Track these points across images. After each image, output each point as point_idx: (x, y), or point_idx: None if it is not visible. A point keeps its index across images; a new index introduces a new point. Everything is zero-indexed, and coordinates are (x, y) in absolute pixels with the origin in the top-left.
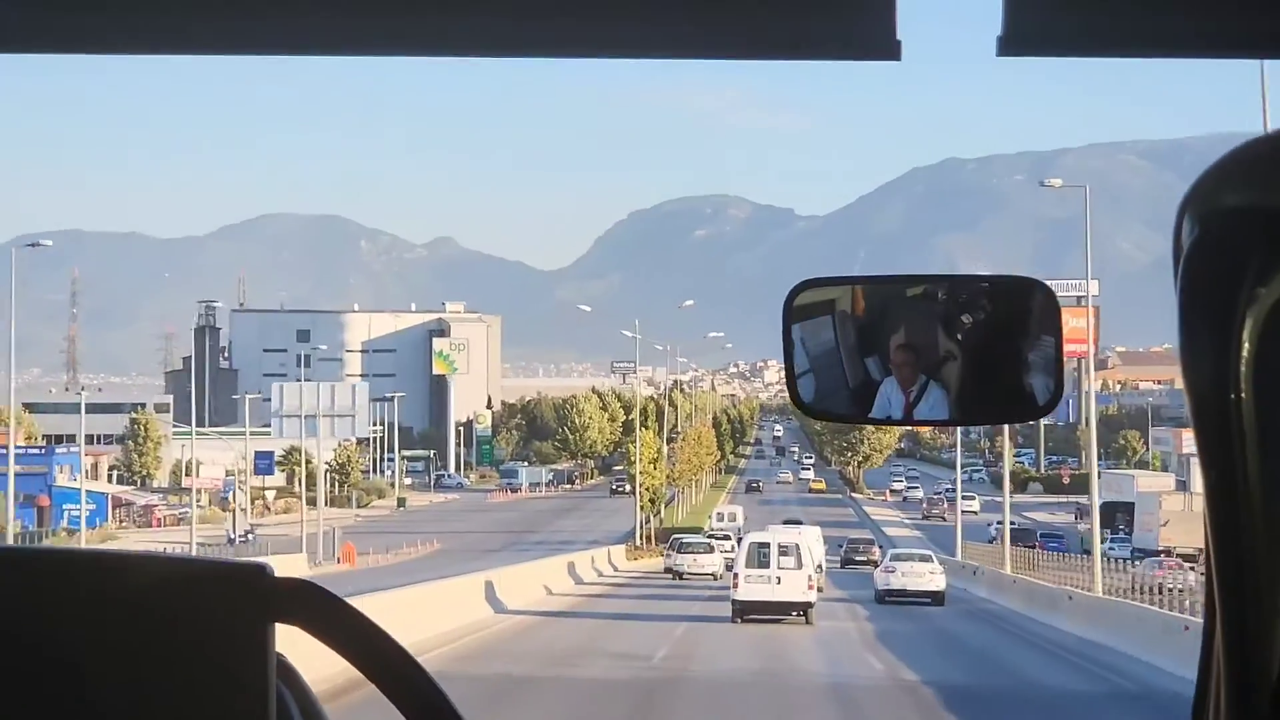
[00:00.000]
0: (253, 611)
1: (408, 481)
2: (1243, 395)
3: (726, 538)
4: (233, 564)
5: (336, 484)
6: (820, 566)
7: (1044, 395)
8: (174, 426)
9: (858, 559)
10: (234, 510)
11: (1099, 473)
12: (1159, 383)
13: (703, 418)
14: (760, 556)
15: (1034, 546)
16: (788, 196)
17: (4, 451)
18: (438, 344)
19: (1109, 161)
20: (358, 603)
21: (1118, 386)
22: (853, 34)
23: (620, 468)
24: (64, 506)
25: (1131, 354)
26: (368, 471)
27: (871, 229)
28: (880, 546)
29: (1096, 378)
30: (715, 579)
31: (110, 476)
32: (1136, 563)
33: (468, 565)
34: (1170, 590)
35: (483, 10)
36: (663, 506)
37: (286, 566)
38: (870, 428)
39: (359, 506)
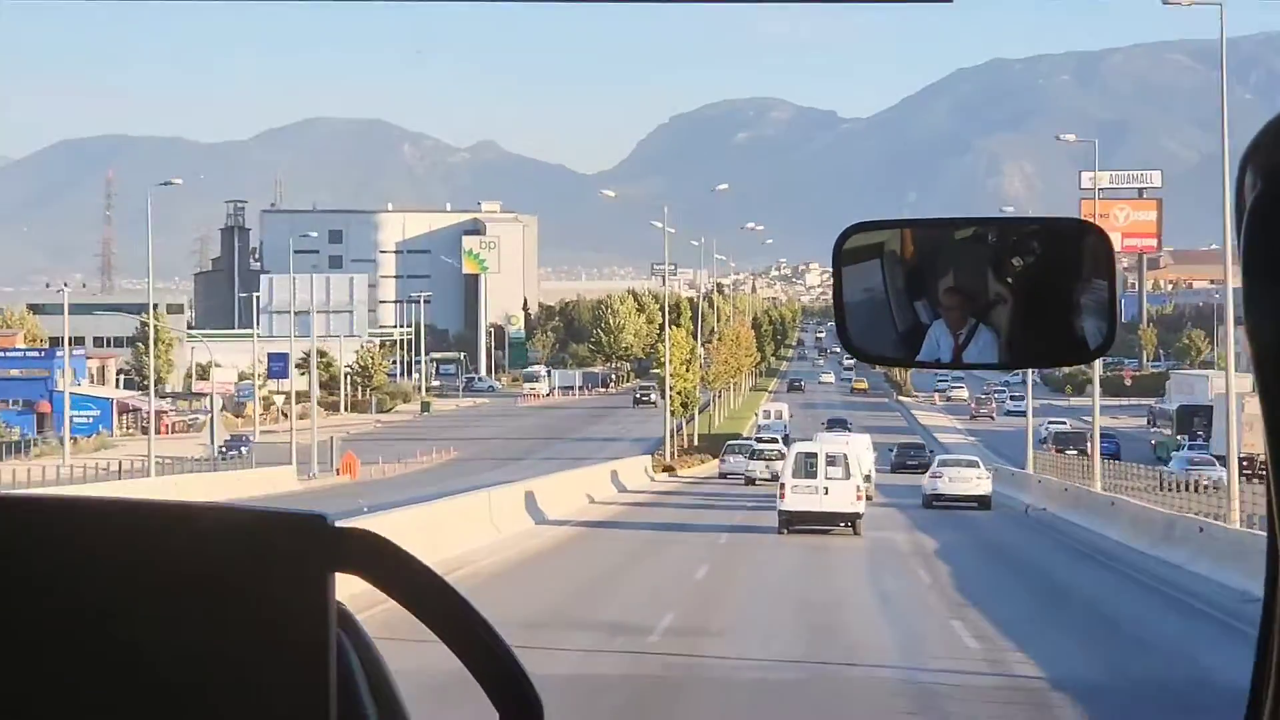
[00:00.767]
0: (313, 562)
1: (436, 385)
2: None
3: (774, 440)
4: (293, 514)
5: (360, 388)
6: (869, 476)
7: (1096, 339)
8: (187, 331)
9: (910, 463)
10: (211, 421)
11: (1168, 373)
12: (1214, 282)
13: (742, 318)
14: (807, 466)
15: (1084, 452)
16: (830, 99)
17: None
18: (467, 242)
19: (1156, 61)
20: (379, 518)
21: (1169, 286)
22: None
23: (656, 371)
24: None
25: (1183, 253)
26: (394, 375)
27: (916, 131)
28: (931, 451)
29: (1148, 277)
30: None
31: (119, 381)
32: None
33: (482, 477)
34: None
35: None
36: (696, 413)
37: (273, 480)
38: None
39: (381, 412)
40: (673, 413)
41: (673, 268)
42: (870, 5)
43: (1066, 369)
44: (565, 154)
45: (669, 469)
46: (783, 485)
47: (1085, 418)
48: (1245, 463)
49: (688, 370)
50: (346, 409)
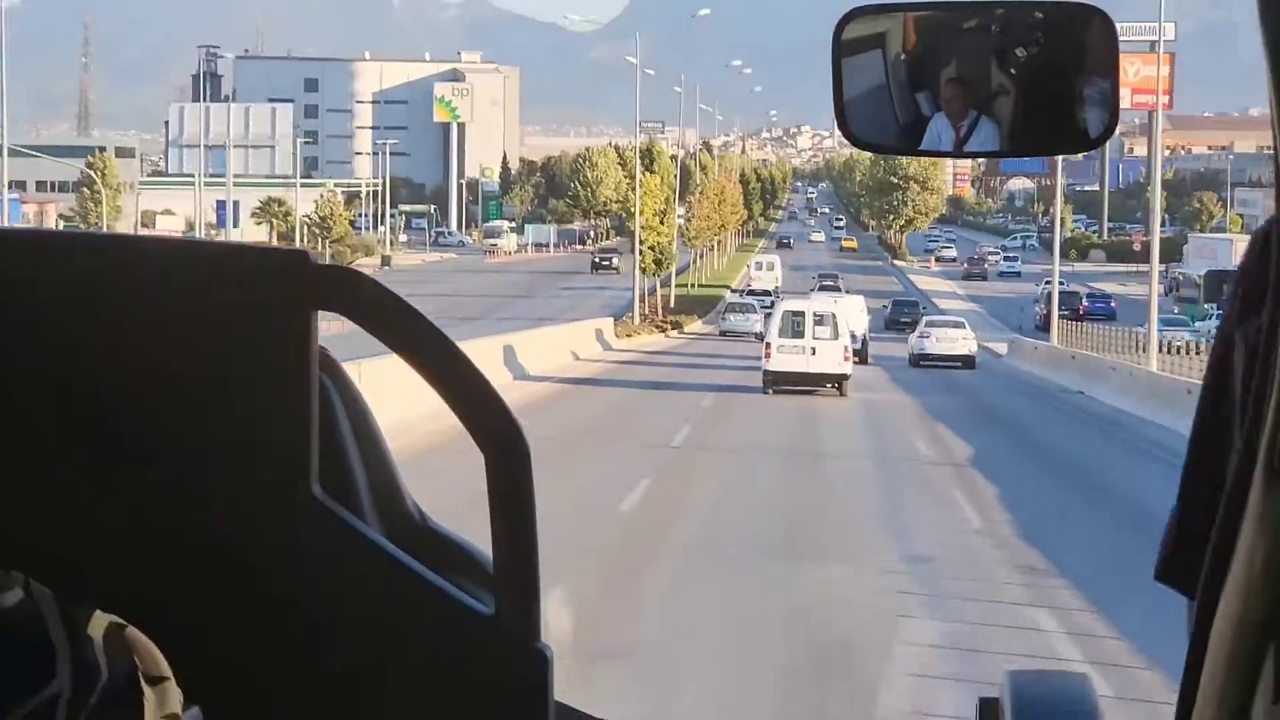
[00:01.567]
0: (295, 298)
1: (403, 239)
2: None
3: (766, 293)
4: (274, 250)
5: (319, 240)
6: (864, 339)
7: (1097, 127)
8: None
9: (904, 320)
10: None
11: (1185, 237)
12: (1211, 148)
13: (729, 174)
14: (794, 326)
15: (1078, 313)
16: None
17: None
18: (439, 89)
19: None
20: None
21: (1167, 152)
22: None
23: (631, 226)
24: None
25: (1180, 118)
26: (360, 228)
27: None
28: (924, 309)
29: (1141, 143)
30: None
31: (58, 226)
32: None
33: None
34: None
35: None
36: (673, 273)
37: None
38: (915, 187)
39: None
40: (644, 270)
41: (660, 124)
42: None
43: (1070, 233)
44: (556, 11)
45: (673, 326)
46: (768, 345)
47: (1093, 285)
48: None
49: (662, 223)
50: None
